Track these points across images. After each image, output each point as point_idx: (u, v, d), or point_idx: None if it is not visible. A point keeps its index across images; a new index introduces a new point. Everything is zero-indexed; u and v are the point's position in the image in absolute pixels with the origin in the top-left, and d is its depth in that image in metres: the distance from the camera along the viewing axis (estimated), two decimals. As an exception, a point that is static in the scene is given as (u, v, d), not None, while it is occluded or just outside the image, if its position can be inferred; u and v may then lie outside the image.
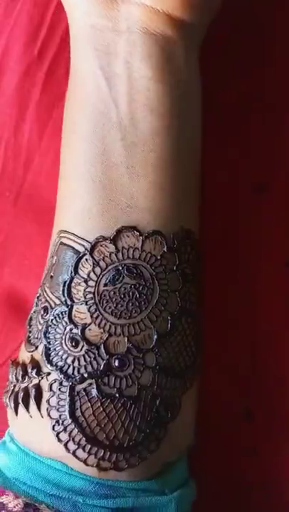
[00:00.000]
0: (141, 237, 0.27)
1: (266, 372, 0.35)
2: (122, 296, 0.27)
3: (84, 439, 0.27)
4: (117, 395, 0.27)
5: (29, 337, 0.29)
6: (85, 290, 0.27)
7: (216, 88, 0.35)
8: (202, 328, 0.30)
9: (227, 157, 0.36)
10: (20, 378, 0.29)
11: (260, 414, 0.35)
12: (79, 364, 0.27)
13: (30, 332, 0.29)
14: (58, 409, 0.27)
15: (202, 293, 0.30)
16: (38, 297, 0.30)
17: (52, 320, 0.28)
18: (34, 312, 0.30)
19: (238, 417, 0.35)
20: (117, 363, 0.27)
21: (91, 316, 0.27)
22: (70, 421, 0.27)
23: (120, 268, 0.27)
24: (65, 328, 0.27)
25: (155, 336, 0.27)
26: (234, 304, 0.36)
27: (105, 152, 0.28)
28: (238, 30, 0.37)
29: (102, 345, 0.27)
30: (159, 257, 0.28)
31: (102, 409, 0.27)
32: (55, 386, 0.27)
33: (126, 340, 0.27)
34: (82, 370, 0.27)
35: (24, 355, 0.29)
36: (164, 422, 0.28)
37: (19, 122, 0.37)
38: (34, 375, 0.28)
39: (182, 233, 0.29)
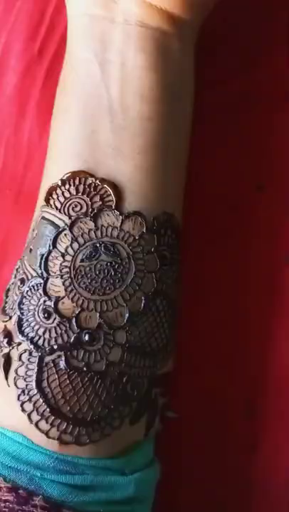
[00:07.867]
0: (121, 217, 0.28)
1: (266, 370, 0.35)
2: (98, 272, 0.28)
3: (48, 410, 0.27)
4: (85, 369, 0.27)
5: (4, 307, 0.30)
6: (61, 264, 0.28)
7: (212, 89, 0.36)
8: (178, 310, 0.30)
9: (226, 157, 0.36)
10: None
11: (260, 411, 0.35)
12: (50, 336, 0.27)
13: (6, 302, 0.30)
14: (25, 379, 0.27)
15: (180, 276, 0.30)
16: (16, 269, 0.30)
17: (27, 291, 0.28)
18: (12, 284, 0.30)
19: (237, 414, 0.35)
20: (87, 338, 0.27)
21: (65, 290, 0.27)
22: (35, 391, 0.27)
23: (98, 245, 0.28)
24: (39, 300, 0.28)
25: (127, 314, 0.27)
26: (234, 302, 0.36)
27: (94, 133, 0.28)
28: (235, 28, 0.37)
29: (74, 319, 0.27)
30: (137, 237, 0.28)
31: (68, 381, 0.27)
32: (24, 356, 0.27)
33: (98, 315, 0.27)
34: (53, 342, 0.27)
35: None
36: (129, 400, 0.28)
37: (19, 120, 0.37)
38: (5, 344, 0.28)
39: (164, 216, 0.29)
